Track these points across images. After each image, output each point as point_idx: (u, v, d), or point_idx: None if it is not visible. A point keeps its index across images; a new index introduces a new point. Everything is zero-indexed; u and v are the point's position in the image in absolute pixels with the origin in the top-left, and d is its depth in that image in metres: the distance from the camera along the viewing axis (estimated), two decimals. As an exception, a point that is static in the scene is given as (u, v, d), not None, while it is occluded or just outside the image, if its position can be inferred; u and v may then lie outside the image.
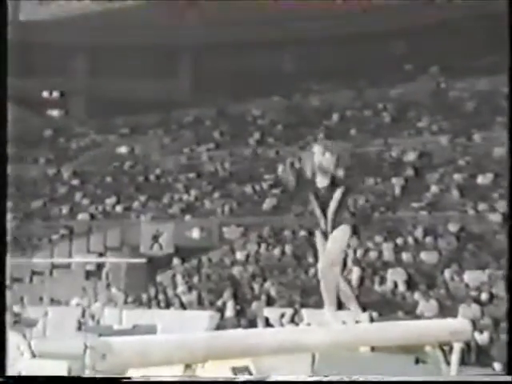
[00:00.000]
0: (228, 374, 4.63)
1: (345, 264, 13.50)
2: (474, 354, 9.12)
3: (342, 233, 4.17)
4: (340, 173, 4.19)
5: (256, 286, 13.06)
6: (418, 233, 13.45)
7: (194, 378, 3.72)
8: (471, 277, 11.63)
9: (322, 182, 4.24)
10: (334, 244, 4.16)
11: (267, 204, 16.33)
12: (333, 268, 4.16)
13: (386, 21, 20.54)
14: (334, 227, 4.19)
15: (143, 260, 14.79)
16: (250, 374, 4.87)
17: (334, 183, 4.20)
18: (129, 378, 3.49)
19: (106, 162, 20.51)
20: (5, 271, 3.02)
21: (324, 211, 4.20)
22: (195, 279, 14.24)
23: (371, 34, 21.04)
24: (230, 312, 11.58)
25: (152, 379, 3.70)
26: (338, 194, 4.18)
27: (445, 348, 4.02)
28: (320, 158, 4.22)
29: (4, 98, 2.98)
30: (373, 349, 4.09)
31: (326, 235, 4.22)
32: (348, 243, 4.27)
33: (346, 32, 21.27)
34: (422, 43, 20.59)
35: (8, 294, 13.06)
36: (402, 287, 12.10)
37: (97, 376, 3.60)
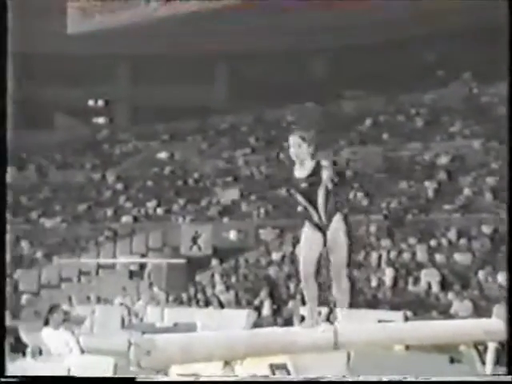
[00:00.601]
0: (266, 371, 4.64)
1: (378, 264, 13.43)
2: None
3: (339, 223, 3.96)
4: (323, 163, 3.96)
5: (291, 286, 13.04)
6: (452, 234, 13.26)
7: (197, 378, 3.69)
8: (505, 278, 11.42)
9: (301, 173, 4.05)
10: (339, 236, 3.95)
11: (301, 207, 16.26)
12: (345, 262, 4.01)
13: (419, 28, 20.30)
14: (328, 217, 3.97)
15: (183, 260, 14.93)
16: (288, 371, 4.87)
17: (314, 174, 3.97)
18: (132, 378, 3.47)
19: (148, 167, 20.76)
20: (5, 272, 3.00)
21: (311, 203, 4.00)
22: (233, 279, 14.30)
23: (404, 40, 20.84)
24: (266, 311, 11.59)
25: (154, 379, 3.69)
26: (322, 186, 3.95)
27: (479, 348, 3.95)
28: (296, 149, 4.05)
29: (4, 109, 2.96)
30: (407, 348, 4.04)
31: (319, 227, 4.00)
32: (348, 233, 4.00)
33: (379, 39, 21.11)
34: (454, 49, 20.32)
35: (57, 293, 13.37)
36: (435, 288, 11.94)
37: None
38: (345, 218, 3.99)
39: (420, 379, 3.51)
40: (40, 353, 6.41)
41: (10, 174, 22.00)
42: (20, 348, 6.38)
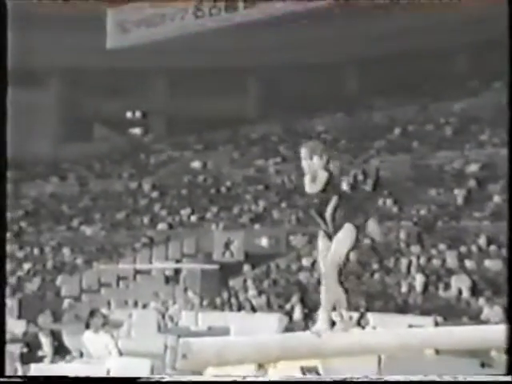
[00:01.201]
0: (298, 374, 4.63)
1: (408, 270, 13.26)
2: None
3: (347, 233, 3.88)
4: (334, 179, 3.82)
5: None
6: (482, 241, 13.03)
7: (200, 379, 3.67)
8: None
9: (311, 187, 3.89)
10: (338, 245, 3.89)
11: (332, 213, 16.21)
12: (336, 270, 3.91)
13: (449, 37, 20.08)
14: (335, 228, 3.90)
15: (216, 266, 14.98)
16: (318, 374, 4.83)
17: (326, 188, 3.83)
18: (134, 378, 3.44)
19: (182, 176, 20.94)
20: (5, 274, 3.03)
21: (322, 215, 3.90)
22: (265, 284, 14.29)
23: (434, 50, 20.64)
24: (297, 315, 11.54)
25: (151, 380, 3.67)
26: (334, 198, 3.85)
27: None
28: (308, 161, 3.86)
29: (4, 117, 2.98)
30: (437, 352, 3.98)
31: (329, 237, 3.96)
32: (353, 243, 3.91)
33: (408, 49, 20.95)
34: (485, 59, 20.02)
35: (97, 298, 13.52)
36: (466, 293, 11.74)
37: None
38: (355, 228, 3.92)
39: (422, 379, 3.45)
40: (81, 355, 6.51)
41: (53, 183, 22.45)
42: (62, 350, 6.48)
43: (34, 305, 13.56)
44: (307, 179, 3.91)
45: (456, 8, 18.48)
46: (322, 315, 4.00)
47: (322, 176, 3.86)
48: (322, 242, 4.03)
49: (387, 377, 3.52)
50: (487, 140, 17.39)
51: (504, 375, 3.41)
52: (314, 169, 3.88)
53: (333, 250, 3.93)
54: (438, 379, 3.33)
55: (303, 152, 3.89)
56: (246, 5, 19.20)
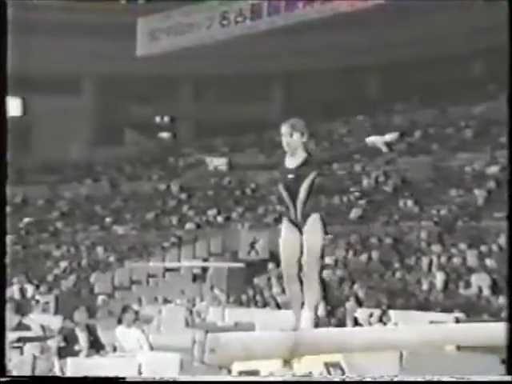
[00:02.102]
0: (321, 369, 4.62)
1: (429, 269, 13.11)
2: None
3: (316, 225, 3.54)
4: (313, 155, 3.58)
5: (345, 289, 12.92)
6: (502, 241, 12.82)
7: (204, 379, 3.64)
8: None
9: (290, 163, 3.67)
10: (311, 239, 3.53)
11: (354, 214, 16.14)
12: (317, 266, 3.56)
13: (468, 41, 19.84)
14: (303, 216, 3.57)
15: (242, 264, 15.01)
16: (342, 369, 4.82)
17: (303, 166, 3.55)
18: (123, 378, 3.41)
19: (209, 178, 21.04)
20: (5, 274, 3.06)
21: (293, 198, 3.57)
22: (289, 282, 14.26)
23: (453, 54, 20.40)
24: (320, 312, 11.49)
25: (146, 379, 3.65)
26: (308, 180, 3.57)
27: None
28: (288, 138, 3.74)
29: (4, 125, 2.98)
30: (458, 348, 3.94)
31: (295, 224, 3.62)
32: (324, 235, 3.55)
33: (428, 53, 20.74)
34: (504, 62, 19.69)
35: (128, 295, 13.64)
36: (486, 291, 11.58)
37: (97, 376, 3.55)
38: (322, 219, 3.58)
39: (422, 379, 3.41)
40: (114, 349, 6.60)
41: (86, 185, 22.75)
42: (97, 345, 6.57)
43: (69, 301, 13.76)
44: (287, 156, 3.71)
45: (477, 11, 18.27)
46: (305, 314, 3.77)
47: (301, 155, 3.69)
48: (286, 230, 3.67)
49: (385, 377, 3.47)
50: (507, 142, 17.10)
51: (504, 375, 3.35)
52: (293, 146, 3.72)
53: (309, 245, 3.58)
54: (437, 379, 3.29)
55: (283, 129, 3.77)
56: (270, 12, 19.23)
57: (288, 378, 3.48)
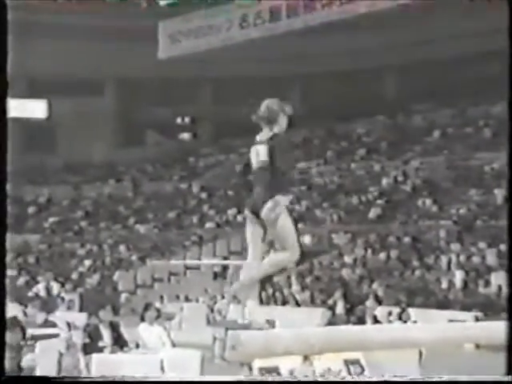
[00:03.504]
0: (341, 366, 4.59)
1: (448, 267, 12.95)
2: None
3: (275, 210, 3.31)
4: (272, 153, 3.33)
5: (364, 287, 12.84)
6: (521, 239, 12.60)
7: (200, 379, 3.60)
8: None
9: (256, 162, 3.48)
10: (271, 224, 3.35)
11: (372, 213, 16.04)
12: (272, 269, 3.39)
13: (486, 41, 19.56)
14: (259, 205, 3.36)
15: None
16: (361, 366, 4.78)
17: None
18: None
19: (228, 178, 21.08)
20: (4, 274, 3.04)
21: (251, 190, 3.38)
22: (308, 280, 14.24)
23: (472, 55, 20.13)
24: (339, 310, 11.45)
25: (145, 380, 3.64)
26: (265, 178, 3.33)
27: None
28: (265, 112, 3.61)
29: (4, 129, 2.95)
30: (477, 346, 3.88)
31: (256, 214, 3.45)
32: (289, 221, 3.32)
33: (446, 54, 20.52)
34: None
35: (150, 292, 13.73)
36: (506, 290, 11.39)
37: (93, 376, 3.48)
38: (277, 203, 3.30)
39: (425, 379, 3.35)
40: (137, 346, 6.64)
41: (109, 185, 22.96)
42: (120, 342, 6.62)
43: (93, 299, 13.88)
44: (252, 154, 3.53)
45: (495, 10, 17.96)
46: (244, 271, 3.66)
47: (263, 152, 3.52)
48: (251, 219, 3.55)
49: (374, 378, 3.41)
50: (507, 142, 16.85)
51: (504, 375, 3.28)
52: (272, 119, 3.60)
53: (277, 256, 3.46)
54: (437, 379, 3.24)
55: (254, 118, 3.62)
56: (289, 14, 19.19)
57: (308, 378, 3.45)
